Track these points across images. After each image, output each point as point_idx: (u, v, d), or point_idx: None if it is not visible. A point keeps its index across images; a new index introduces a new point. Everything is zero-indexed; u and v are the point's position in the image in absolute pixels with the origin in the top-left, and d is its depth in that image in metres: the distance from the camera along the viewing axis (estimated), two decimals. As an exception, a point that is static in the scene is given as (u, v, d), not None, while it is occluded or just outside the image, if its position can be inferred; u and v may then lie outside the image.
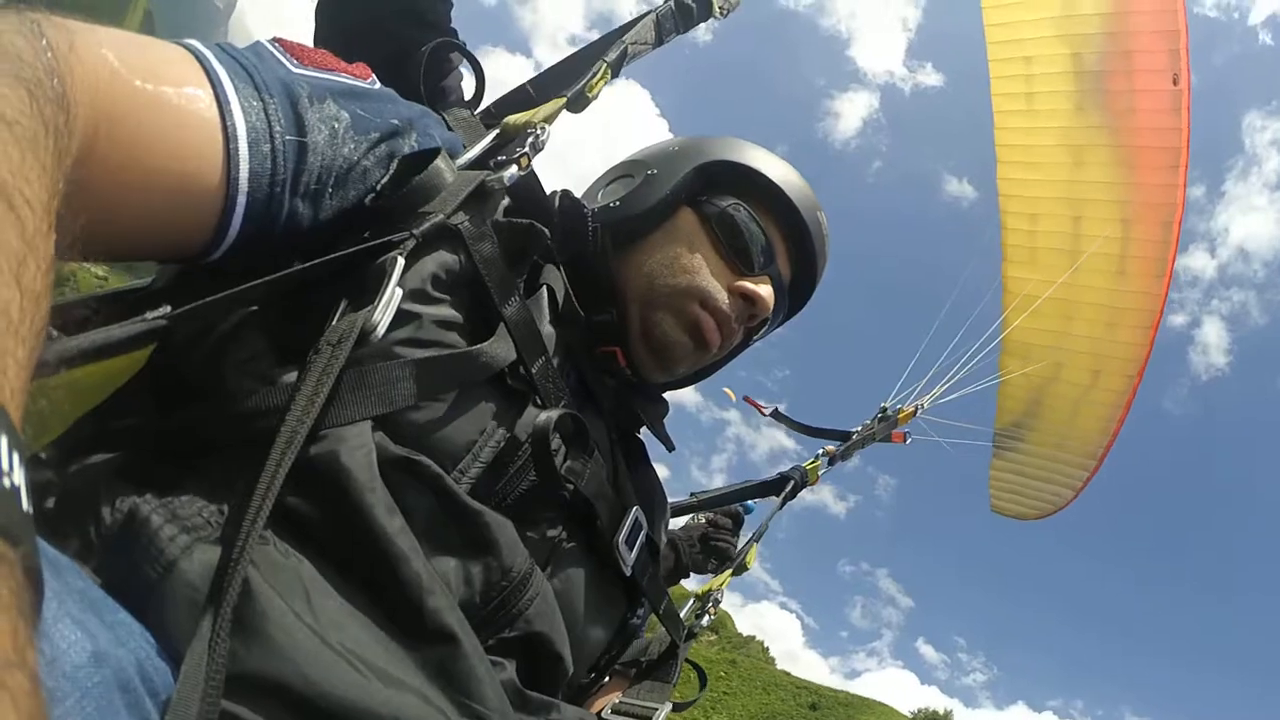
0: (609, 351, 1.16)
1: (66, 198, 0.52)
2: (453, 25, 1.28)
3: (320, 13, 1.26)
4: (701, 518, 2.03)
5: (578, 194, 1.27)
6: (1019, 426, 3.11)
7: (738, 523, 2.04)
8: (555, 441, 0.91)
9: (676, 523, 2.06)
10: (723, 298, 1.19)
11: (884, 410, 2.49)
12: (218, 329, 0.80)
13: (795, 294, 1.35)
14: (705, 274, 1.18)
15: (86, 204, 0.55)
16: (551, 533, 0.96)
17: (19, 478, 0.35)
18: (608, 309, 1.16)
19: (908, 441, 2.53)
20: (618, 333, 1.17)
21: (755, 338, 1.34)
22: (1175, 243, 2.54)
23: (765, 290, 1.21)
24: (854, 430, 2.37)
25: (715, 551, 1.97)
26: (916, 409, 2.53)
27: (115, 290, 0.89)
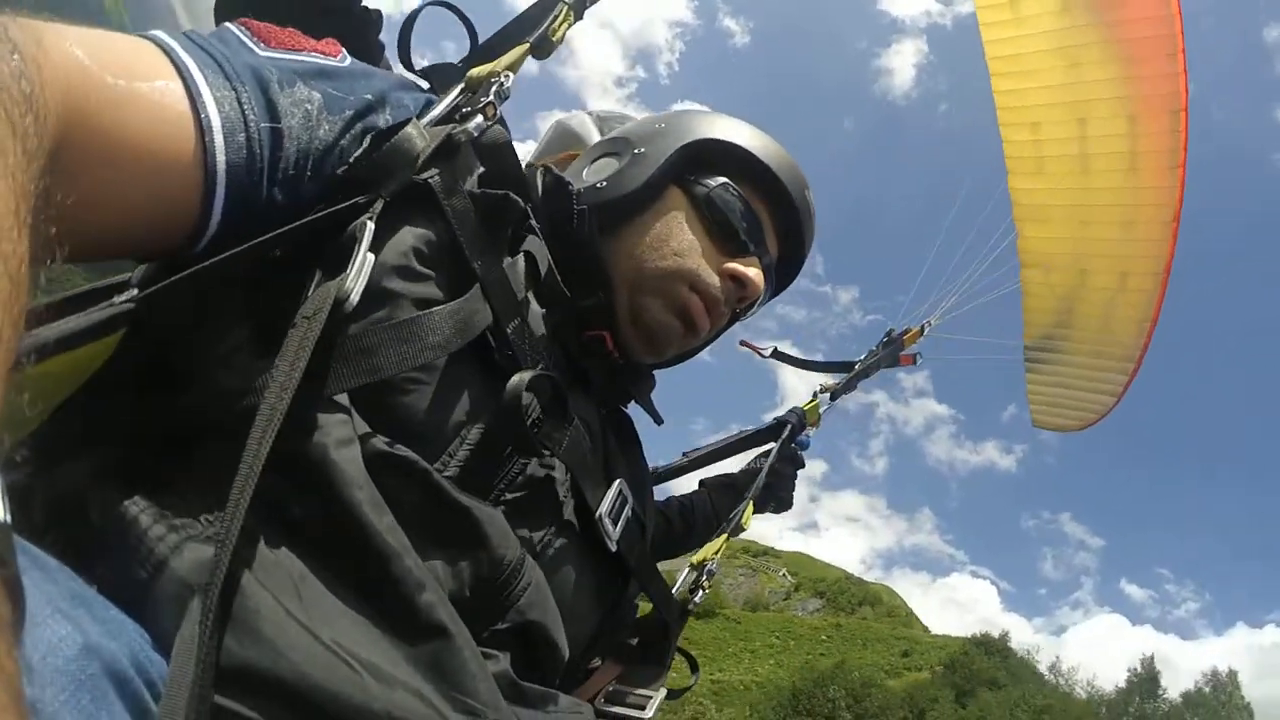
0: (597, 335, 1.16)
1: (38, 200, 0.51)
2: None
3: None
4: (758, 465, 1.97)
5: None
6: (1050, 338, 3.10)
7: (797, 466, 2.04)
8: (530, 403, 0.90)
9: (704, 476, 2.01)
10: (713, 280, 1.19)
11: (890, 333, 2.48)
12: (197, 319, 0.80)
13: (782, 272, 1.36)
14: (695, 256, 1.18)
15: (61, 204, 0.54)
16: (543, 521, 0.97)
17: None
18: (595, 292, 1.14)
19: (918, 362, 2.53)
20: (606, 316, 1.16)
21: (743, 317, 1.35)
22: (1184, 131, 2.50)
23: (754, 272, 1.21)
24: (858, 360, 2.35)
25: (777, 500, 1.99)
26: (923, 328, 2.53)
27: (91, 288, 0.88)
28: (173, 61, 0.75)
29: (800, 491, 2.07)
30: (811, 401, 2.18)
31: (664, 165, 1.19)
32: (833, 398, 2.22)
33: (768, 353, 2.29)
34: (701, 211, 1.20)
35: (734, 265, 1.20)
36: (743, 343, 2.24)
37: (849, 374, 2.30)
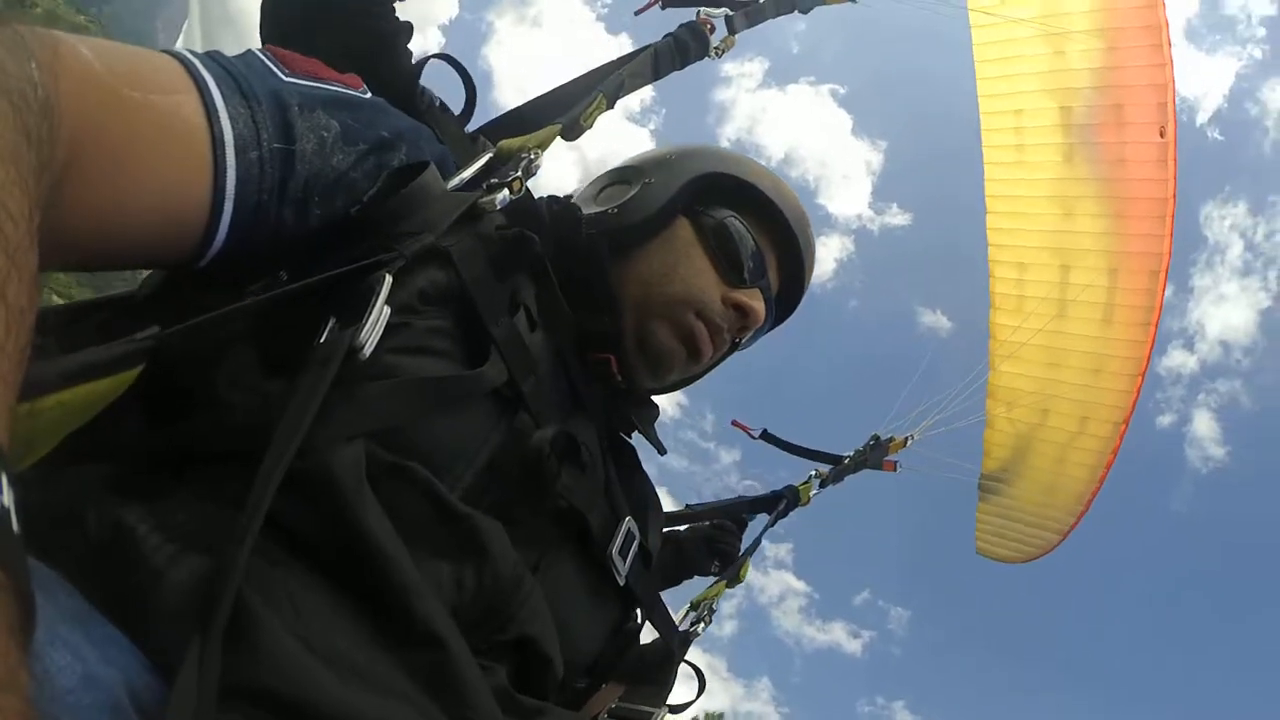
0: (602, 359, 1.17)
1: (50, 208, 0.52)
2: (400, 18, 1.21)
3: (265, 6, 1.18)
4: (706, 521, 2.05)
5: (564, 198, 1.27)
6: (1006, 471, 3.10)
7: (741, 527, 2.07)
8: (549, 460, 0.92)
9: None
10: (717, 308, 1.22)
11: (876, 438, 2.51)
12: (207, 342, 0.79)
13: (782, 304, 1.39)
14: (700, 284, 1.21)
15: (72, 213, 0.56)
16: (544, 537, 0.97)
17: (8, 499, 0.36)
18: (602, 316, 1.16)
19: (898, 470, 2.55)
20: (612, 340, 1.18)
21: (741, 347, 1.37)
22: (1161, 291, 2.55)
23: (757, 303, 1.25)
24: (846, 455, 2.38)
25: (719, 554, 2.00)
26: (907, 439, 2.54)
27: (102, 298, 0.89)
28: (191, 76, 0.75)
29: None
30: (805, 482, 2.20)
31: (674, 195, 1.22)
32: (822, 485, 2.25)
33: (757, 434, 2.25)
34: (708, 241, 1.23)
35: (738, 295, 1.23)
36: (734, 423, 2.28)
37: (837, 466, 2.34)
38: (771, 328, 1.43)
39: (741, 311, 1.23)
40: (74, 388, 0.63)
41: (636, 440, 1.36)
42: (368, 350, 0.77)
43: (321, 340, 0.77)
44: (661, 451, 1.38)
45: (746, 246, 1.24)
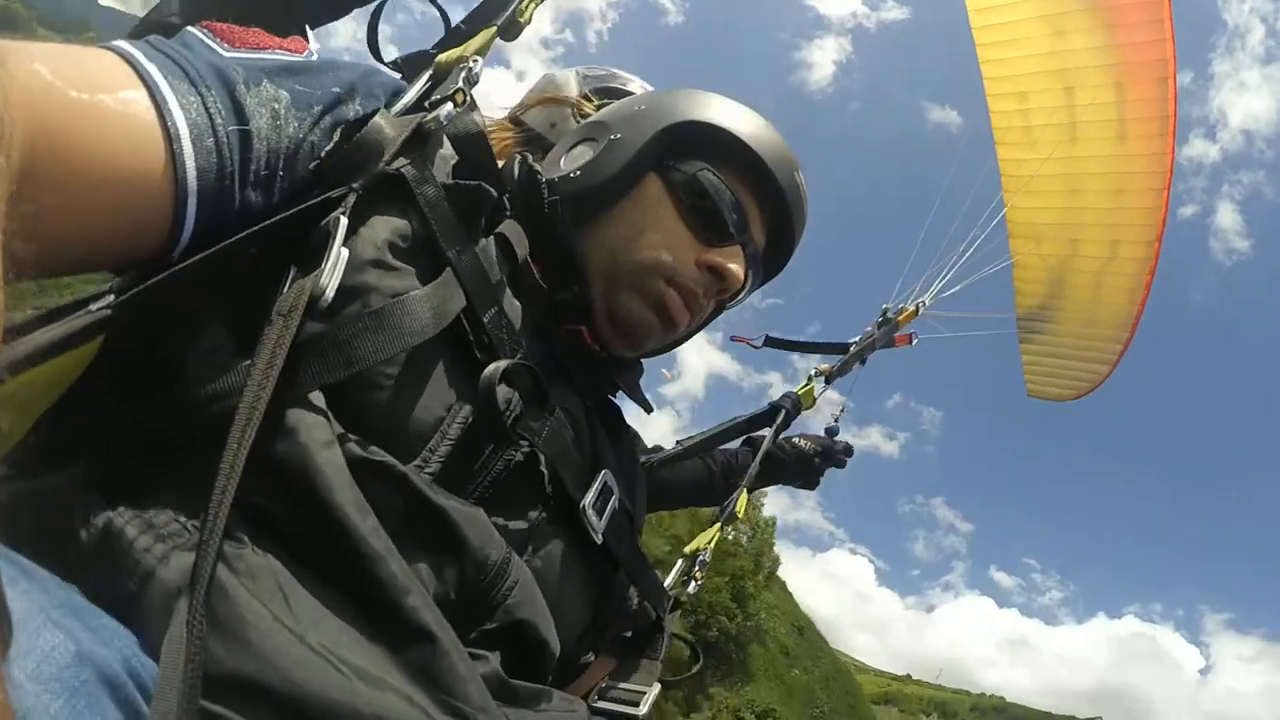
0: (574, 330, 1.13)
1: (7, 219, 0.51)
2: None
3: None
4: (807, 441, 2.14)
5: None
6: (1043, 308, 3.10)
7: (836, 465, 2.19)
8: (509, 396, 0.89)
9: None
10: (690, 273, 1.13)
11: (885, 312, 2.43)
12: (174, 322, 0.79)
13: (771, 258, 1.29)
14: (671, 248, 1.13)
15: (32, 223, 0.53)
16: (530, 514, 0.95)
17: None
18: (570, 286, 1.11)
19: (914, 343, 2.46)
20: (582, 311, 1.13)
21: (728, 306, 1.29)
22: (1173, 98, 2.50)
23: (735, 264, 1.15)
24: (852, 341, 2.30)
25: (806, 480, 2.16)
26: (918, 308, 2.47)
27: (72, 301, 0.87)
28: (135, 70, 0.74)
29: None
30: (806, 385, 2.11)
31: (641, 151, 1.13)
32: (828, 381, 2.14)
33: (759, 343, 2.20)
34: (679, 199, 1.14)
35: (712, 256, 1.14)
36: (734, 338, 2.23)
37: (844, 356, 2.25)
38: (762, 283, 1.33)
39: (718, 274, 1.14)
40: (34, 370, 0.66)
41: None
42: (329, 294, 0.76)
43: (283, 291, 0.76)
44: (648, 410, 1.33)
45: (723, 200, 1.14)
